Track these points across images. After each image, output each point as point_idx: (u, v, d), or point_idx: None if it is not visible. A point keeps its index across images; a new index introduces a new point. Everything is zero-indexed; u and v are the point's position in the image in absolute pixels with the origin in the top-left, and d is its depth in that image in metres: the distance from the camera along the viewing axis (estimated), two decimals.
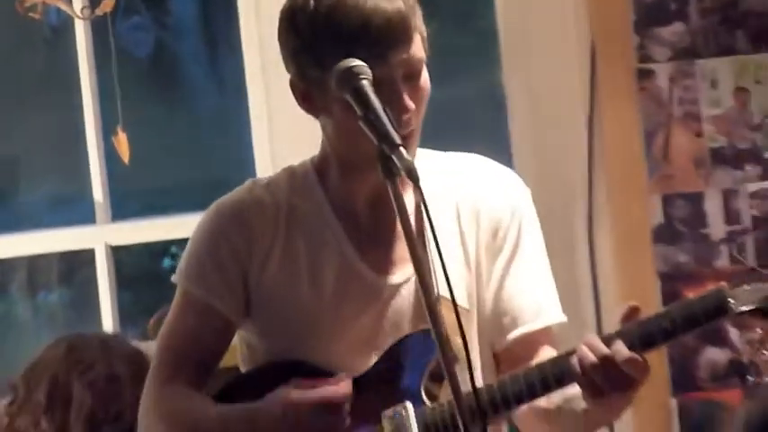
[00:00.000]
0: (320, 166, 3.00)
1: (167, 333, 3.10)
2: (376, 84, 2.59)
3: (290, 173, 3.08)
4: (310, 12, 2.80)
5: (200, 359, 3.09)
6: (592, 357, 2.65)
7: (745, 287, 2.82)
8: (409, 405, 2.93)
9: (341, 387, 2.85)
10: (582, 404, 2.71)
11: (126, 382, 3.81)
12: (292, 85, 2.86)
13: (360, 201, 2.99)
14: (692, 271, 4.76)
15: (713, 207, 4.71)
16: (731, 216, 4.75)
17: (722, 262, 4.73)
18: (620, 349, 2.58)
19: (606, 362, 2.63)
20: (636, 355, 2.62)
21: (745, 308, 2.78)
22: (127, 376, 3.80)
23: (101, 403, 3.81)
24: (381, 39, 2.78)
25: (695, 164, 4.76)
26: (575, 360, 2.69)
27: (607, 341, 2.68)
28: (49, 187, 6.22)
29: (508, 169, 3.13)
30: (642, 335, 2.70)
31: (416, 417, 2.91)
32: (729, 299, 2.73)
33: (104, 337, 4.11)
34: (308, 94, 2.79)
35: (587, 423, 2.91)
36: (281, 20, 2.89)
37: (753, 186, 4.80)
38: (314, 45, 2.79)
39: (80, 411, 3.80)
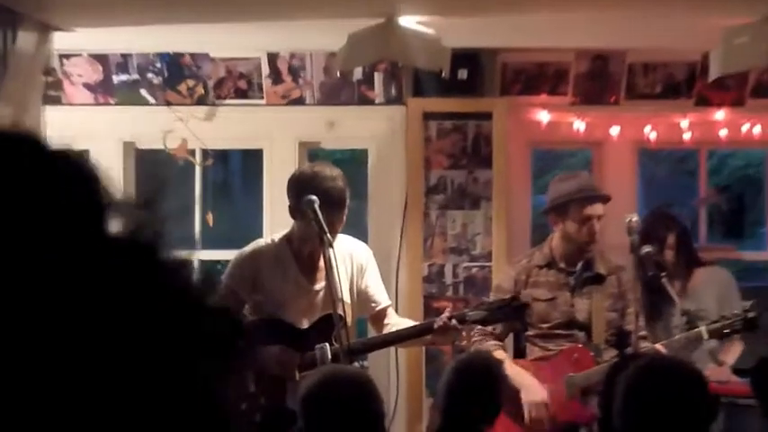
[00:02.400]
0: (289, 237, 5.80)
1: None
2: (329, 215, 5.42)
3: (275, 239, 5.89)
4: (301, 179, 5.63)
5: None
6: (440, 323, 5.44)
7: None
8: (326, 345, 5.46)
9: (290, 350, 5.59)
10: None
11: None
12: (289, 208, 5.69)
13: (304, 252, 5.75)
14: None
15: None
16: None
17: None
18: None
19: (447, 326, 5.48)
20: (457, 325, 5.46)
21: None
22: None
23: None
24: (335, 200, 5.56)
25: None
26: (433, 324, 5.56)
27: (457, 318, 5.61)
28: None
29: (360, 242, 6.11)
30: (459, 318, 5.64)
31: (329, 350, 5.48)
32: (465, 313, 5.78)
33: None
34: (293, 212, 5.67)
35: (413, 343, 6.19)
36: (290, 180, 5.75)
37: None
38: (300, 194, 5.50)
39: None
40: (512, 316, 6.02)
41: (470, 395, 4.96)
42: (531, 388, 6.23)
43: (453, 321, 5.60)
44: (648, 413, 3.73)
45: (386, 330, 5.92)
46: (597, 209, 6.34)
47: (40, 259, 0.69)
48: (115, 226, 0.75)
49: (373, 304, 5.99)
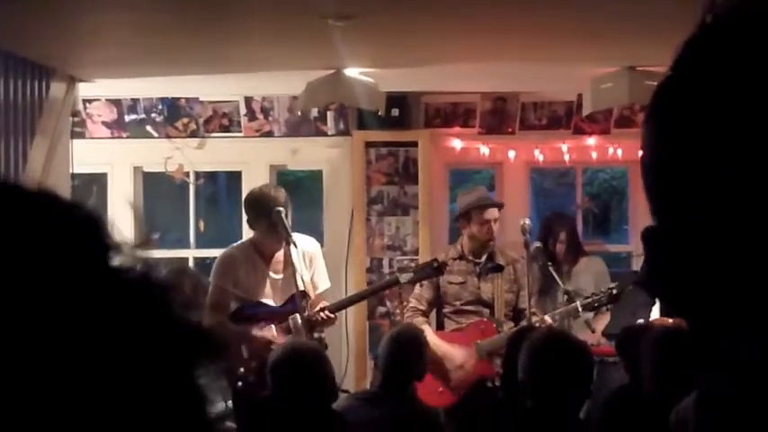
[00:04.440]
0: (252, 241, 5.88)
1: (209, 298, 5.79)
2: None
3: (244, 242, 5.99)
4: (259, 199, 5.72)
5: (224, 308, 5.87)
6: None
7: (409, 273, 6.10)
8: (297, 316, 5.70)
9: (272, 332, 5.88)
10: None
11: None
12: (248, 221, 5.85)
13: (266, 252, 5.82)
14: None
15: None
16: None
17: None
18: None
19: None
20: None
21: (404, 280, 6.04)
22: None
23: None
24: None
25: None
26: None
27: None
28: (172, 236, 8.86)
29: (309, 237, 6.06)
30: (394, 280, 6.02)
31: (299, 319, 5.68)
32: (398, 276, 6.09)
33: None
34: (251, 223, 5.83)
35: None
36: (247, 199, 5.86)
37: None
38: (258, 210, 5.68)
39: None
40: (432, 274, 6.08)
41: (403, 358, 5.00)
42: (452, 354, 6.28)
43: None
44: (548, 370, 3.86)
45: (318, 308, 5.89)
46: (493, 213, 6.39)
47: (51, 295, 0.63)
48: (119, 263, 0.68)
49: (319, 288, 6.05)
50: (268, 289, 5.91)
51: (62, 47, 5.61)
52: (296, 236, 5.83)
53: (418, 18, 4.90)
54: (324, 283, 6.07)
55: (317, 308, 5.79)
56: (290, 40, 5.39)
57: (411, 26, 5.09)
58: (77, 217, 0.70)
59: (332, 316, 5.83)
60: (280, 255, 5.79)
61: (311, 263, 5.99)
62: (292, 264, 5.63)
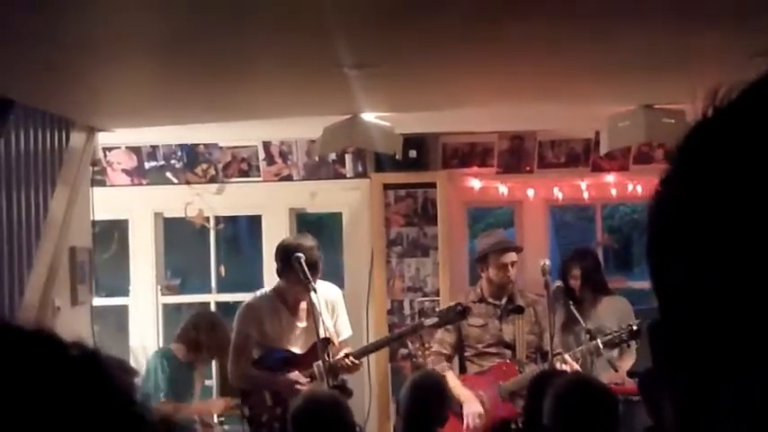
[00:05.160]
0: (276, 290, 5.92)
1: (234, 345, 5.92)
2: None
3: (267, 292, 5.97)
4: (288, 247, 5.77)
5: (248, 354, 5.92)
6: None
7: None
8: (321, 363, 5.66)
9: (297, 375, 5.91)
10: None
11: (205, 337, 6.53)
12: (276, 270, 5.83)
13: (290, 300, 5.86)
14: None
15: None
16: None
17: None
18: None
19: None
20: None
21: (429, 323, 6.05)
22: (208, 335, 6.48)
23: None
24: (314, 262, 5.66)
25: None
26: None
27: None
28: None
29: (335, 285, 6.21)
30: (419, 325, 6.05)
31: (322, 366, 5.65)
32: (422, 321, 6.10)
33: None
34: (279, 272, 5.81)
35: None
36: (276, 248, 5.90)
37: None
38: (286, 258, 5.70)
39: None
40: (456, 318, 6.06)
41: (425, 404, 5.02)
42: (469, 400, 6.25)
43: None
44: (574, 417, 3.88)
45: (342, 354, 5.91)
46: (511, 257, 6.41)
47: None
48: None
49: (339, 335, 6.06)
50: (293, 337, 5.94)
51: (81, 100, 5.67)
52: (319, 283, 5.84)
53: (433, 65, 4.93)
54: (346, 332, 6.10)
55: (342, 354, 5.80)
56: (306, 88, 5.43)
57: (426, 73, 5.12)
58: (72, 360, 0.73)
59: (356, 362, 5.85)
60: (304, 303, 5.80)
61: (334, 310, 6.02)
62: (315, 311, 5.65)
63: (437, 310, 6.37)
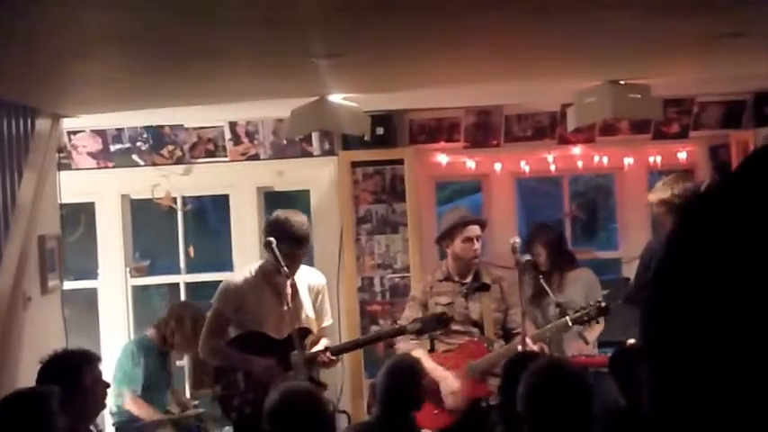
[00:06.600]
0: (262, 268, 5.83)
1: (209, 321, 5.84)
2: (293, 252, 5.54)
3: (252, 271, 5.85)
4: (276, 223, 5.63)
5: (222, 332, 5.78)
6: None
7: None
8: (298, 353, 5.58)
9: (272, 363, 5.65)
10: None
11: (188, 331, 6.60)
12: (265, 244, 5.61)
13: (273, 281, 5.75)
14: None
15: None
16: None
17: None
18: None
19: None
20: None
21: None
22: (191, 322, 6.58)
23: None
24: (301, 238, 5.62)
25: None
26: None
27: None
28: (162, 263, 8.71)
29: (318, 271, 6.18)
30: (401, 329, 6.12)
31: (299, 356, 5.60)
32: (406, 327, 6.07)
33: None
34: (267, 243, 5.56)
35: None
36: (266, 223, 5.80)
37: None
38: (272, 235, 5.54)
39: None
40: (439, 327, 6.11)
41: (401, 389, 5.05)
42: (447, 380, 6.27)
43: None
44: (547, 404, 3.94)
45: (321, 348, 5.91)
46: (475, 230, 6.39)
47: None
48: None
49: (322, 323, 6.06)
50: (273, 320, 5.86)
51: (47, 89, 5.61)
52: (304, 269, 5.86)
53: (401, 51, 4.93)
54: (327, 320, 6.09)
55: (320, 349, 5.78)
56: (275, 76, 5.41)
57: (393, 58, 5.12)
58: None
59: (334, 358, 5.83)
60: (288, 287, 5.75)
61: (317, 297, 6.00)
62: (298, 297, 5.68)
63: (420, 317, 6.32)
